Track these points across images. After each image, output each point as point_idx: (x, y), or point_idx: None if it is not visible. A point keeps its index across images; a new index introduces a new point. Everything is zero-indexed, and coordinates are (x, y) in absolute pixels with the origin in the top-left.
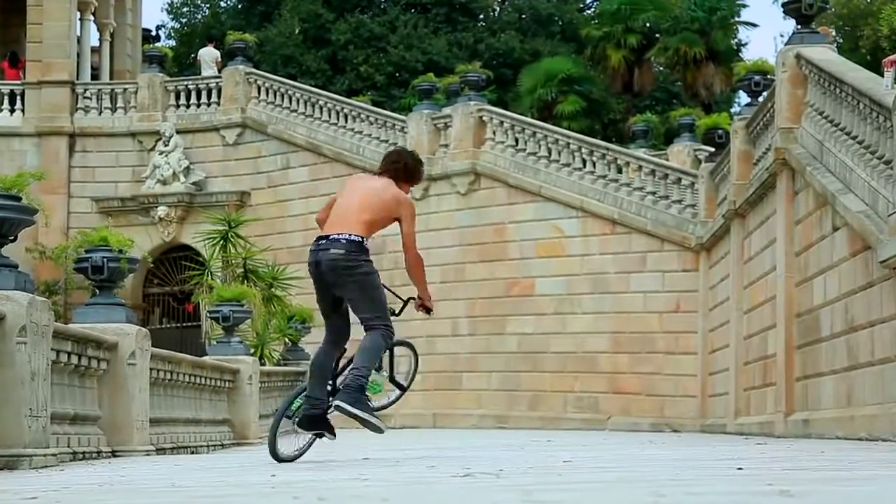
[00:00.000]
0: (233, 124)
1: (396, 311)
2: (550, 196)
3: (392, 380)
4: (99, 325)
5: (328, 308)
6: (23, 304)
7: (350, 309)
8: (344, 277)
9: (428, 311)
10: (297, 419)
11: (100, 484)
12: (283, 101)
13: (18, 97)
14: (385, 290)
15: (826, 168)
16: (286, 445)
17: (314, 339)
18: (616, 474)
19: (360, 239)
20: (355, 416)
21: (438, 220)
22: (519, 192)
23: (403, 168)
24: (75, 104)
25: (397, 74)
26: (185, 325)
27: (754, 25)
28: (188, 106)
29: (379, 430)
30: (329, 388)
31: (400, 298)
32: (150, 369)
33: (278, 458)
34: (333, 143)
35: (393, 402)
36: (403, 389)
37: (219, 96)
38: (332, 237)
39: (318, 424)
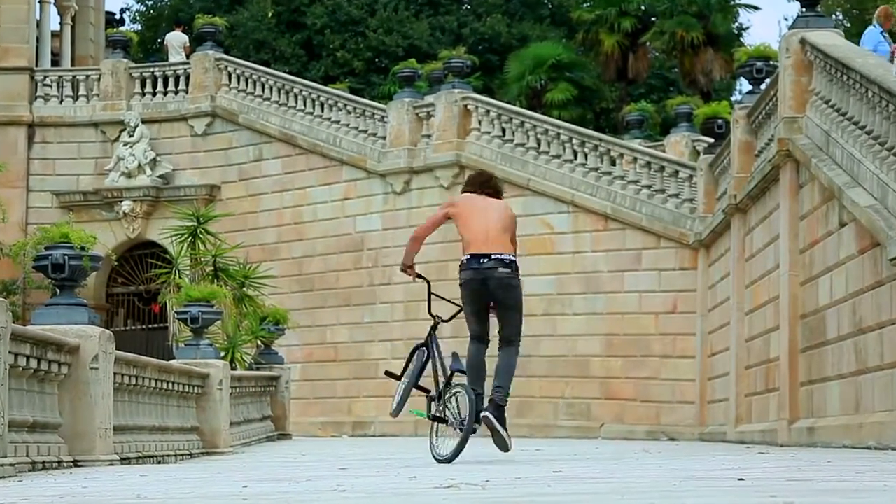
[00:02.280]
0: (202, 113)
1: (445, 318)
2: (539, 190)
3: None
4: (60, 327)
5: (482, 317)
6: None
7: (500, 319)
8: (510, 294)
9: None
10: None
11: (60, 496)
12: (255, 88)
13: None
14: (438, 298)
15: (832, 160)
16: (445, 447)
17: (288, 342)
18: (609, 486)
19: (516, 259)
20: (497, 432)
21: (420, 215)
22: (506, 186)
23: (495, 183)
24: (34, 92)
25: (376, 60)
26: (151, 326)
27: (756, 8)
28: (154, 94)
29: (506, 448)
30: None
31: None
32: (114, 374)
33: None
34: (309, 134)
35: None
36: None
37: (187, 84)
38: (494, 256)
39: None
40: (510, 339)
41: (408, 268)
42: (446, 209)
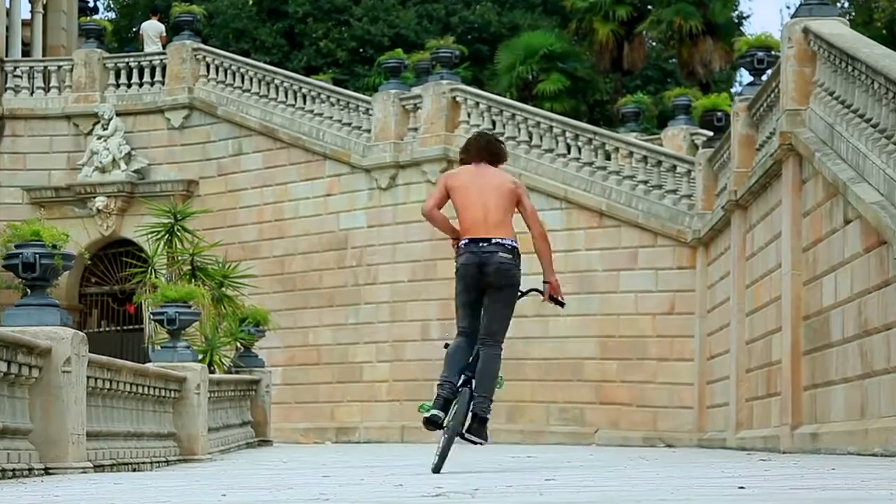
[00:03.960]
0: (179, 106)
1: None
2: (531, 185)
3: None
4: (30, 329)
5: (474, 310)
6: None
7: (487, 310)
8: (506, 281)
9: (561, 304)
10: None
11: None
12: (234, 79)
13: None
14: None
15: (837, 154)
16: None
17: (269, 344)
18: (603, 494)
19: (517, 245)
20: (468, 440)
21: (407, 212)
22: None
23: (492, 147)
24: (4, 83)
25: (361, 50)
26: (125, 328)
27: None
28: (129, 85)
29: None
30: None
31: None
32: (88, 377)
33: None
34: (290, 127)
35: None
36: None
37: (163, 75)
38: (494, 241)
39: (447, 405)
40: (496, 336)
41: (456, 239)
42: (444, 180)
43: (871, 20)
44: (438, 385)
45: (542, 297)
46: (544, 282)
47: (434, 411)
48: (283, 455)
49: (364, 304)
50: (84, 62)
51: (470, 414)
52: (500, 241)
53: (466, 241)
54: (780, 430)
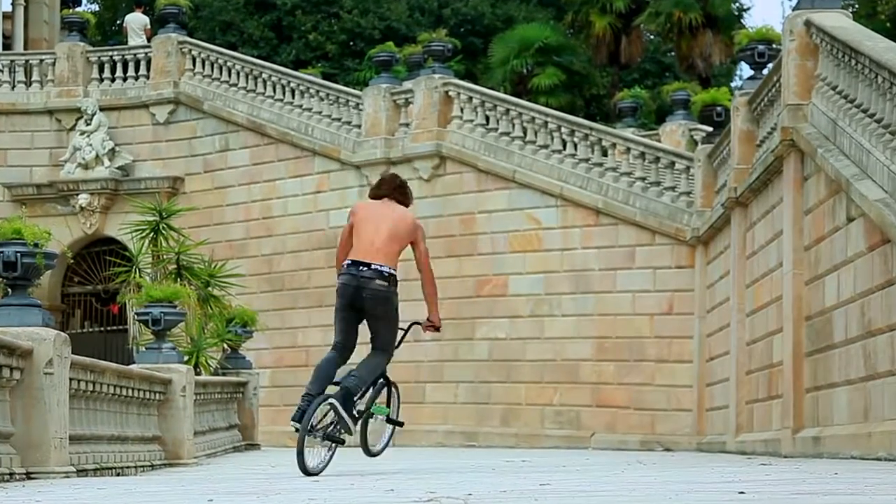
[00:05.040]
0: (164, 100)
1: (396, 343)
2: (525, 182)
3: (389, 419)
4: (11, 330)
5: (350, 325)
6: None
7: (370, 329)
8: (381, 307)
9: (437, 329)
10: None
11: None
12: (221, 74)
13: None
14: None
15: (840, 150)
16: (312, 458)
17: (256, 345)
18: (600, 499)
19: (395, 272)
20: (340, 416)
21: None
22: (490, 178)
23: (404, 189)
24: None
25: (351, 43)
26: (109, 328)
27: None
28: (113, 80)
29: (350, 433)
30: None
31: (399, 329)
32: (70, 379)
33: (307, 472)
34: (278, 122)
35: (391, 438)
36: (400, 424)
37: (148, 69)
38: (374, 267)
39: (305, 416)
40: (382, 348)
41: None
42: (352, 209)
43: (875, 13)
44: (301, 396)
45: (423, 328)
46: (427, 318)
47: (293, 423)
48: (271, 459)
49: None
50: (67, 56)
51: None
52: (378, 267)
53: (349, 262)
54: (781, 434)
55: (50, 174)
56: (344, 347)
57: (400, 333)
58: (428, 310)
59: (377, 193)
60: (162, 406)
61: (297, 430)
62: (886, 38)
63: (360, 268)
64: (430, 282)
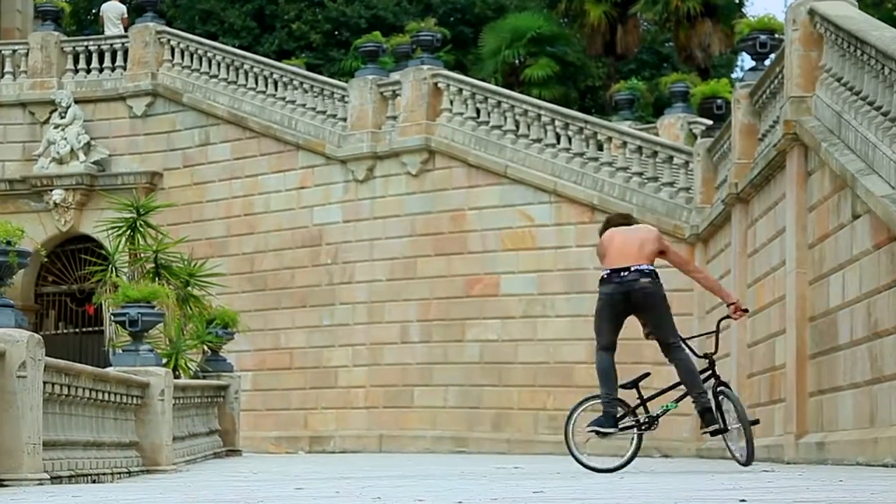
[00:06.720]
0: (141, 92)
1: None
2: (518, 177)
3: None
4: None
5: (616, 329)
6: None
7: (652, 327)
8: (652, 300)
9: (745, 310)
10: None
11: None
12: (201, 64)
13: None
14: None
15: (845, 144)
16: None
17: (238, 347)
18: None
19: (654, 268)
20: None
21: (385, 206)
22: (481, 173)
23: (629, 217)
24: None
25: (336, 33)
26: (84, 330)
27: None
28: (89, 71)
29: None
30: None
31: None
32: (44, 383)
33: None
34: (261, 115)
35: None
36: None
37: (125, 59)
38: (633, 268)
39: (618, 420)
40: (677, 344)
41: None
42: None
43: (882, 1)
44: (605, 402)
45: (733, 318)
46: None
47: (598, 428)
48: (252, 466)
49: (339, 305)
50: (40, 46)
51: (697, 413)
52: (637, 267)
53: (608, 271)
54: (783, 439)
55: (23, 169)
56: (613, 346)
57: (713, 337)
58: (723, 299)
59: (612, 224)
60: (139, 411)
61: (601, 434)
62: (893, 28)
63: (622, 273)
64: (706, 274)
